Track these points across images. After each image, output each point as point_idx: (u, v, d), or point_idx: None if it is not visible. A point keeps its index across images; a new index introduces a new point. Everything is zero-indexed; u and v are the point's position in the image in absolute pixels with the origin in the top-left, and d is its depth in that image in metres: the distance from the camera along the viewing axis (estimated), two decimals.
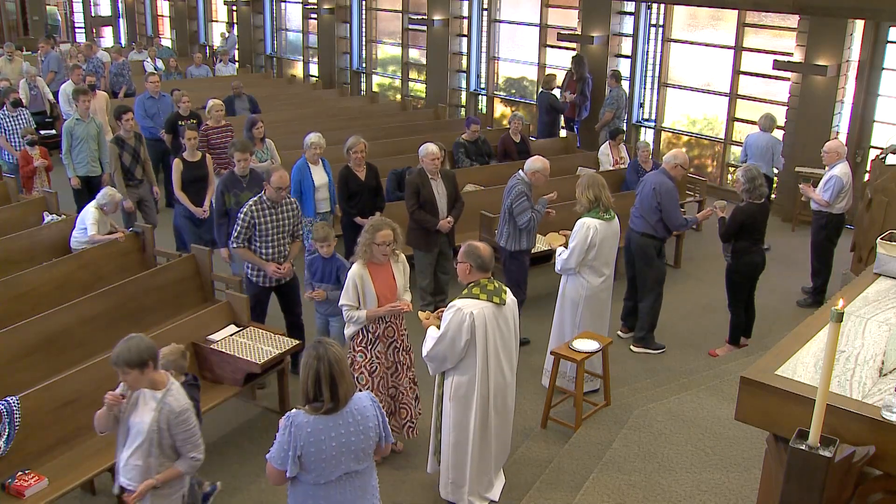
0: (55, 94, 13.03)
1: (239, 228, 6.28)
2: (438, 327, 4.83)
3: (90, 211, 7.52)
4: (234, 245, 6.36)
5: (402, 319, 5.55)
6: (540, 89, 12.80)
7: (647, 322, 7.23)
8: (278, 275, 6.41)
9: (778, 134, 10.13)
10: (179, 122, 9.83)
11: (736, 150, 12.13)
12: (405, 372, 5.58)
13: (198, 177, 8.24)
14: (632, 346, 7.32)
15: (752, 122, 11.78)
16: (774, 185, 10.20)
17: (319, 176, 8.13)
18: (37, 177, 9.86)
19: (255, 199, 6.34)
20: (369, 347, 5.41)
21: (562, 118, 12.79)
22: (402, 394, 5.58)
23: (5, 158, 10.60)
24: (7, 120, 10.52)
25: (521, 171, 6.98)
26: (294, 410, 3.61)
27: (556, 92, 12.69)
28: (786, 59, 10.78)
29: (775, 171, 9.91)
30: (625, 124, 12.36)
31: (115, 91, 14.38)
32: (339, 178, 7.93)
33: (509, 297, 4.93)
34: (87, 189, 9.36)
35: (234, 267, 7.61)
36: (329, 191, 8.21)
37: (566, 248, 6.27)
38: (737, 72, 11.77)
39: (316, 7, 17.94)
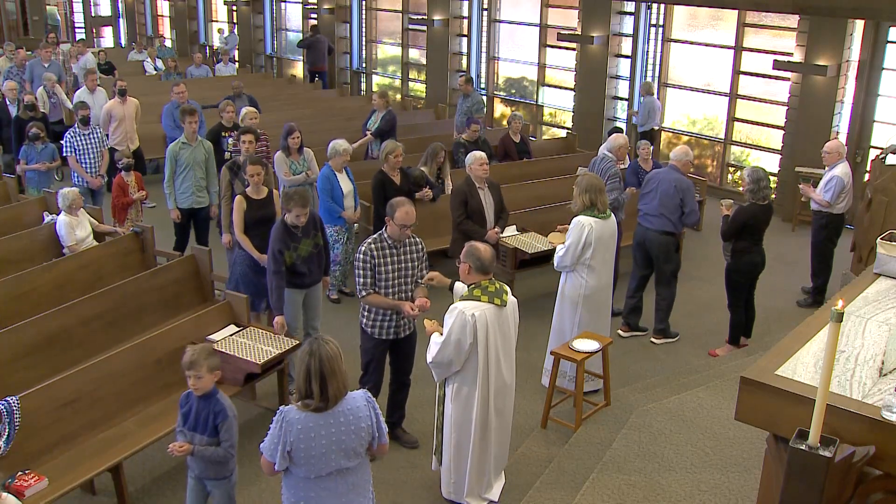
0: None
1: (361, 274, 5.41)
2: (441, 334, 4.83)
3: (60, 222, 7.40)
4: (364, 294, 5.46)
5: None
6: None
7: (664, 313, 7.41)
8: (413, 314, 5.46)
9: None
10: (223, 133, 9.15)
11: (736, 150, 12.15)
12: None
13: (263, 217, 6.71)
14: (653, 339, 7.46)
15: (753, 123, 11.83)
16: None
17: (346, 184, 7.89)
18: (131, 207, 8.69)
19: (375, 236, 5.48)
20: None
21: None
22: None
23: (76, 181, 9.36)
24: (78, 139, 9.27)
25: (606, 153, 6.90)
26: (288, 406, 3.64)
27: None
28: (786, 59, 10.78)
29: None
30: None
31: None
32: (374, 184, 7.69)
33: (510, 298, 4.93)
34: (193, 223, 8.46)
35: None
36: (354, 199, 7.96)
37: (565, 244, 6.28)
38: (737, 72, 11.77)
39: (316, 7, 17.94)
